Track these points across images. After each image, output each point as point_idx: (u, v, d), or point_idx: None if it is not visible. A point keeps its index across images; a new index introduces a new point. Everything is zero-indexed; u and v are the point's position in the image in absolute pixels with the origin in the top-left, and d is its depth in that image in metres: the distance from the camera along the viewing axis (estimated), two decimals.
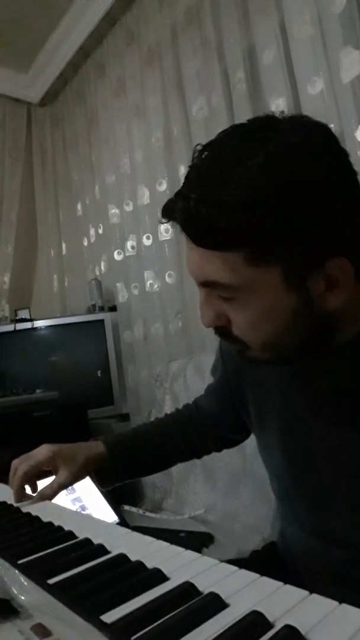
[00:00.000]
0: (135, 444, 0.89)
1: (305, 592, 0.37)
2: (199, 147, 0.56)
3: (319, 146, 0.53)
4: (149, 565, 0.44)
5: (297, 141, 0.52)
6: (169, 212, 0.57)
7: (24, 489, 0.78)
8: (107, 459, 0.84)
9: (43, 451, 0.80)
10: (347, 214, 0.54)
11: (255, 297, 0.55)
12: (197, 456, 0.96)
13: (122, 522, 1.43)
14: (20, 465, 0.79)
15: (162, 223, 0.59)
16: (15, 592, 0.42)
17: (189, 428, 0.92)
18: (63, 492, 0.81)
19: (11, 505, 0.74)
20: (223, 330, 0.61)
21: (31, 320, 2.35)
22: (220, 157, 0.53)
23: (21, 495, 0.77)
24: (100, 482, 0.85)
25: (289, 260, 0.53)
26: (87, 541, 0.53)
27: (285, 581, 0.39)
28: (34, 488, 0.80)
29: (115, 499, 1.50)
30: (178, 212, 0.55)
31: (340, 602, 0.35)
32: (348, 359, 0.62)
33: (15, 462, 0.81)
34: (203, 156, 0.55)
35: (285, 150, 0.51)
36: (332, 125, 1.35)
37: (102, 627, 0.35)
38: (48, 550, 0.52)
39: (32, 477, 0.79)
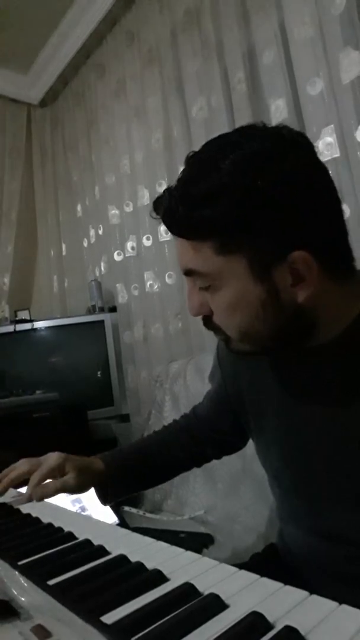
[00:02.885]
0: (134, 461, 0.89)
1: (305, 593, 0.37)
2: (191, 154, 0.63)
3: (285, 152, 0.57)
4: (149, 566, 0.44)
5: (266, 147, 0.57)
6: (157, 206, 0.64)
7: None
8: (107, 477, 0.84)
9: (54, 457, 0.81)
10: (309, 213, 0.58)
11: (226, 285, 0.60)
12: (197, 465, 0.96)
13: (122, 523, 1.42)
14: (34, 472, 0.79)
15: (153, 218, 0.65)
16: (15, 593, 0.42)
17: (188, 437, 0.93)
18: (63, 494, 0.81)
19: (11, 506, 0.75)
20: (207, 319, 0.66)
21: (31, 321, 2.34)
22: (200, 161, 0.61)
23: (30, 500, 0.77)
24: (102, 498, 0.86)
25: (252, 251, 0.58)
26: (87, 542, 0.53)
27: (286, 582, 0.39)
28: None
29: None
30: (161, 207, 0.62)
31: (342, 599, 0.35)
32: (336, 356, 0.63)
33: (23, 465, 0.81)
34: (190, 161, 0.62)
35: (253, 154, 0.57)
36: (331, 126, 1.35)
37: (102, 628, 0.35)
38: (48, 552, 0.52)
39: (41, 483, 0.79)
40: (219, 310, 0.63)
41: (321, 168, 0.61)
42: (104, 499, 0.86)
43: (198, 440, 0.92)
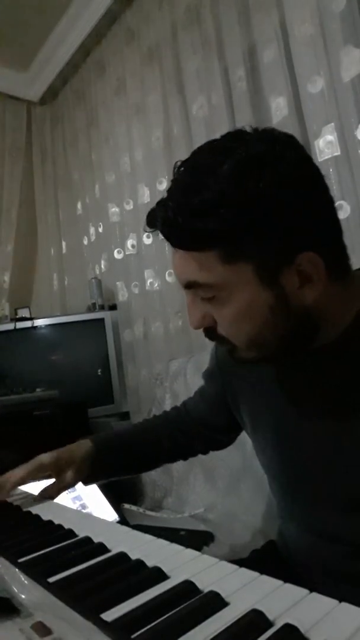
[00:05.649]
0: (121, 443, 0.91)
1: (305, 591, 0.37)
2: (179, 163, 0.61)
3: (281, 153, 0.57)
4: (149, 563, 0.44)
5: (261, 149, 0.56)
6: (151, 220, 0.61)
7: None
8: (93, 456, 0.85)
9: (44, 456, 0.81)
10: (311, 212, 0.57)
11: (232, 295, 0.58)
12: (182, 457, 0.98)
13: (123, 521, 1.43)
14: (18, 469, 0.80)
15: (147, 232, 0.63)
16: (16, 590, 0.42)
17: (176, 429, 0.94)
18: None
19: (11, 505, 0.75)
20: (210, 331, 0.64)
21: (31, 319, 2.34)
22: (194, 168, 0.59)
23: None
24: (84, 478, 0.86)
25: (258, 257, 0.57)
26: (87, 540, 0.53)
27: (285, 580, 0.39)
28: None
29: (115, 498, 1.51)
30: (159, 219, 0.60)
31: (342, 596, 0.35)
32: (333, 358, 0.63)
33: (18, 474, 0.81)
34: (181, 170, 0.60)
35: (250, 158, 0.55)
36: (332, 124, 1.35)
37: (103, 625, 0.35)
38: (48, 549, 0.52)
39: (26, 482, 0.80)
40: (225, 321, 0.61)
41: (315, 166, 0.61)
42: (85, 479, 0.87)
43: (186, 433, 0.93)
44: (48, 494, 0.78)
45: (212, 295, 0.60)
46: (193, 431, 0.93)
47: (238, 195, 0.54)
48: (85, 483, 0.87)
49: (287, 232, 0.56)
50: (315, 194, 0.59)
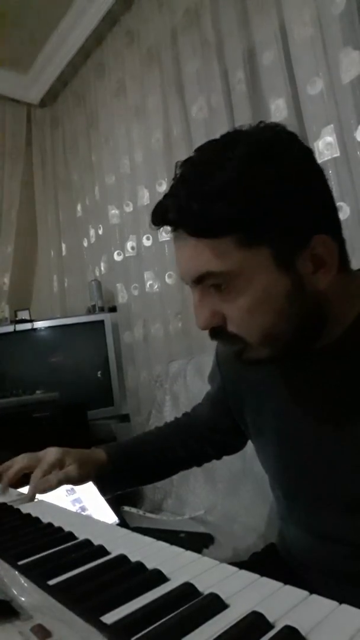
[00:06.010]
0: (135, 453, 0.90)
1: (305, 593, 0.37)
2: (180, 163, 0.60)
3: (287, 140, 0.59)
4: (149, 566, 0.44)
5: (269, 136, 0.58)
6: (160, 213, 0.60)
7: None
8: (108, 467, 0.84)
9: (53, 451, 0.81)
10: (321, 197, 0.59)
11: (249, 282, 0.57)
12: (197, 464, 0.97)
13: (122, 523, 1.42)
14: (34, 467, 0.79)
15: (153, 228, 0.62)
16: (15, 593, 0.42)
17: (188, 435, 0.93)
18: (63, 494, 0.81)
19: (11, 506, 0.74)
20: (219, 330, 0.61)
21: (31, 321, 2.35)
22: (202, 160, 0.59)
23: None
24: (101, 490, 0.86)
25: (276, 240, 0.56)
26: (87, 542, 0.53)
27: (286, 581, 0.39)
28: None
29: (115, 500, 1.50)
30: (170, 209, 0.58)
31: (342, 598, 0.35)
32: (334, 358, 0.63)
33: (21, 461, 0.81)
34: (189, 164, 0.59)
35: (261, 143, 0.56)
36: (331, 125, 1.35)
37: (102, 628, 0.35)
38: (48, 551, 0.51)
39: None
40: (240, 312, 0.59)
41: (310, 151, 0.62)
42: (104, 490, 0.86)
43: (198, 439, 0.92)
44: (47, 484, 0.76)
45: (226, 285, 0.58)
46: (204, 436, 0.92)
47: (256, 178, 0.54)
48: (104, 494, 0.87)
49: (302, 213, 0.56)
50: (321, 179, 0.60)
